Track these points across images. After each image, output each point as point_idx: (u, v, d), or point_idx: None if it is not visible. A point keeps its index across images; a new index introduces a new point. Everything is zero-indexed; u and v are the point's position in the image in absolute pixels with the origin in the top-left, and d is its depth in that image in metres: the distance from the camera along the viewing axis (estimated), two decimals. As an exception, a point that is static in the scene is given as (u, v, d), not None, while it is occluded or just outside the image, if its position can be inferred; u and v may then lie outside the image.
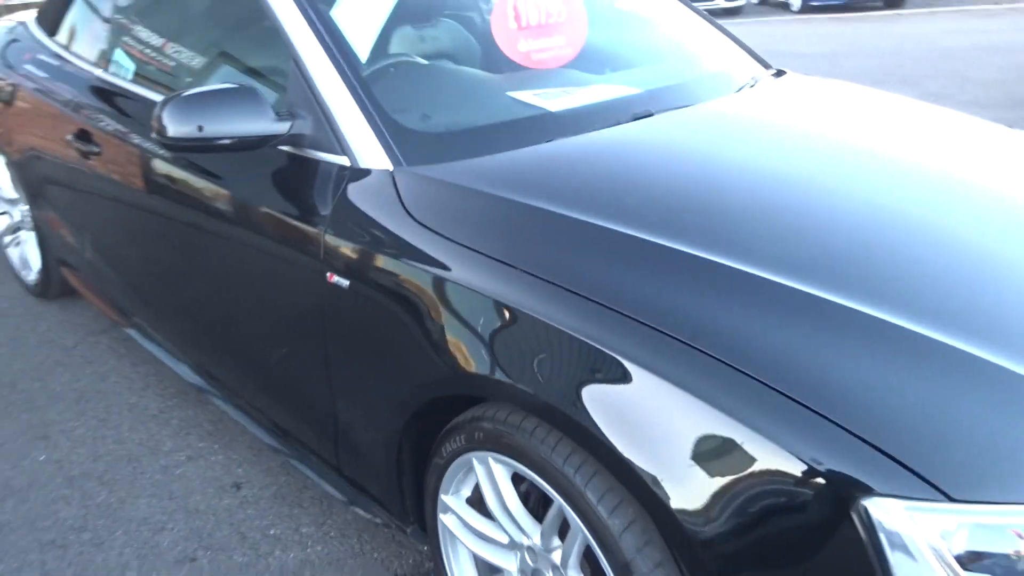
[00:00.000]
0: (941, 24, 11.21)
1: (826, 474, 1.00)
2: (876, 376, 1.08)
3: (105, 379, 2.69)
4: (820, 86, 2.32)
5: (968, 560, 0.99)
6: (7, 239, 3.39)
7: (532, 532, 1.37)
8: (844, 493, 0.99)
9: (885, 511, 0.98)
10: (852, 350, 1.11)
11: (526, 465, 1.29)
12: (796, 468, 1.01)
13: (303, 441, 1.89)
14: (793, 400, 1.05)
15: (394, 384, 1.46)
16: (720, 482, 1.07)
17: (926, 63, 8.14)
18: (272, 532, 1.99)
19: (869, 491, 0.98)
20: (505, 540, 1.43)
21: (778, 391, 1.06)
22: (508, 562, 1.46)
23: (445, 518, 1.54)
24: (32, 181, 2.89)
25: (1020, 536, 1.00)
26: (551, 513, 1.30)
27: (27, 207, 3.06)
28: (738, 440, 1.05)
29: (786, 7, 14.25)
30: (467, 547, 1.52)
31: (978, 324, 1.16)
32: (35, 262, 3.17)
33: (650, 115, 1.83)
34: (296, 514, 2.05)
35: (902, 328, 1.13)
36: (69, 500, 2.12)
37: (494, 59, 2.08)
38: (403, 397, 1.45)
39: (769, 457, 1.03)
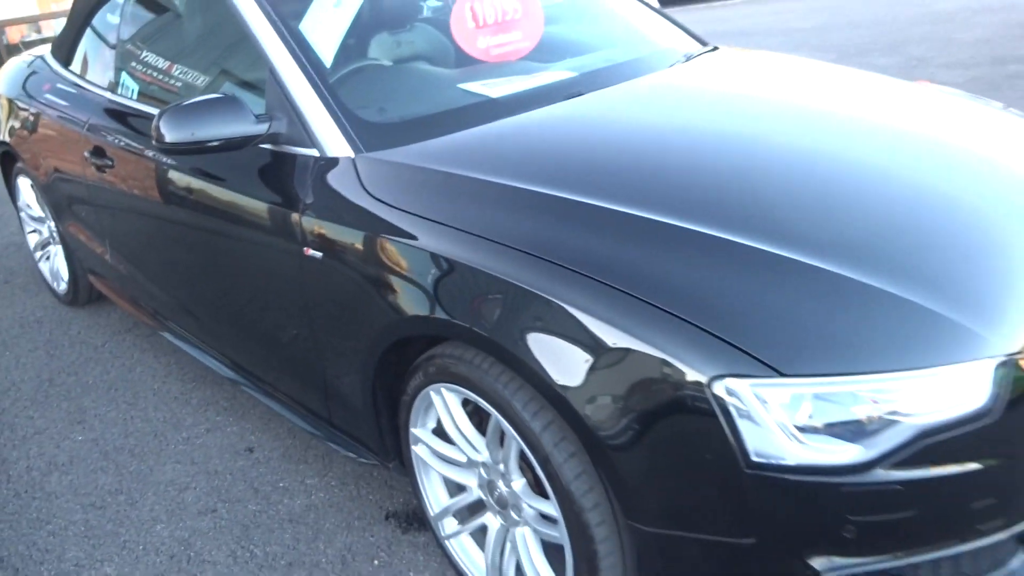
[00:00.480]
0: (934, -12, 11.28)
1: (686, 364, 1.25)
2: (727, 287, 1.32)
3: (132, 370, 3.00)
4: (746, 57, 2.56)
5: (813, 428, 1.24)
6: (38, 254, 3.72)
7: (482, 448, 1.64)
8: (701, 378, 1.24)
9: (737, 389, 1.23)
10: (709, 270, 1.36)
11: (469, 389, 1.55)
12: (664, 363, 1.26)
13: (302, 403, 2.17)
14: (663, 310, 1.29)
15: (364, 333, 1.73)
16: (611, 382, 1.32)
17: (914, 29, 8.25)
18: (281, 485, 2.28)
19: (720, 375, 1.23)
20: (464, 459, 1.70)
21: (653, 304, 1.31)
22: (469, 479, 1.73)
23: (417, 448, 1.81)
24: (56, 199, 3.21)
25: (875, 402, 1.24)
26: (491, 426, 1.57)
27: (53, 223, 3.38)
28: (623, 346, 1.30)
29: (783, -16, 14.31)
30: (436, 471, 1.79)
31: (822, 236, 1.41)
32: (64, 273, 3.49)
33: (580, 94, 2.09)
34: (301, 469, 2.33)
35: (755, 248, 1.38)
36: (105, 470, 2.42)
37: (458, 56, 2.34)
38: (371, 342, 1.71)
39: (645, 358, 1.28)
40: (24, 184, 3.56)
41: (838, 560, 1.26)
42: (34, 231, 3.69)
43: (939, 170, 1.69)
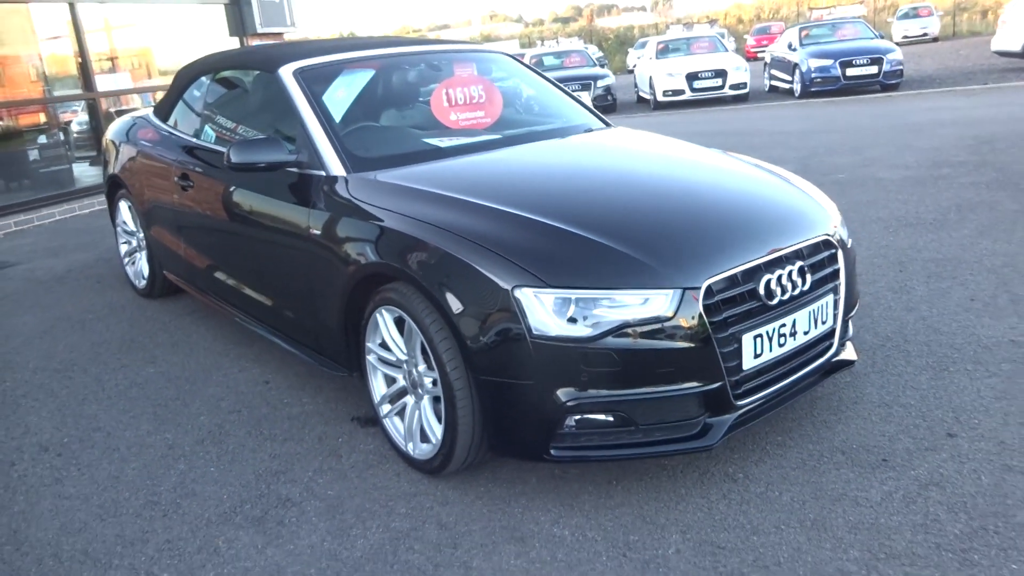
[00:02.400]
0: (921, 104, 12.42)
1: (502, 280, 2.30)
2: (534, 244, 2.39)
3: (189, 336, 4.13)
4: (625, 132, 3.68)
5: (573, 317, 2.27)
6: (126, 260, 4.94)
7: (404, 348, 2.69)
8: (508, 287, 2.29)
9: (524, 293, 2.28)
10: (529, 236, 2.43)
11: (398, 307, 2.61)
12: (492, 281, 2.31)
13: (302, 341, 3.25)
14: (501, 255, 2.35)
15: (341, 278, 2.81)
16: (466, 296, 2.37)
17: (882, 135, 9.36)
18: (285, 400, 3.34)
19: (518, 285, 2.29)
20: (394, 359, 2.75)
21: (497, 253, 2.37)
22: (400, 374, 2.77)
23: (369, 357, 2.86)
24: (147, 214, 4.42)
25: (610, 305, 2.27)
26: (406, 329, 2.62)
27: (142, 233, 4.59)
28: (475, 274, 2.36)
29: (791, 93, 15.64)
30: (380, 371, 2.84)
31: (591, 219, 2.49)
32: (145, 272, 4.68)
33: (499, 148, 3.23)
34: (299, 393, 3.39)
35: (545, 223, 2.46)
36: (167, 388, 3.51)
37: (433, 123, 3.50)
38: (345, 283, 2.79)
39: (485, 279, 2.33)
40: (124, 206, 4.80)
41: (577, 391, 2.28)
42: (125, 242, 4.91)
43: (675, 184, 2.80)
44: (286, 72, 3.37)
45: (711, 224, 2.58)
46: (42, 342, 4.25)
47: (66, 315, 4.66)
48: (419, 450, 2.68)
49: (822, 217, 2.79)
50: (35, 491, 2.79)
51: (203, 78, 4.21)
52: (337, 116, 3.24)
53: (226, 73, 4.09)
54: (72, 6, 8.36)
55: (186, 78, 4.37)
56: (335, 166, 3.00)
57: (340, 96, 3.36)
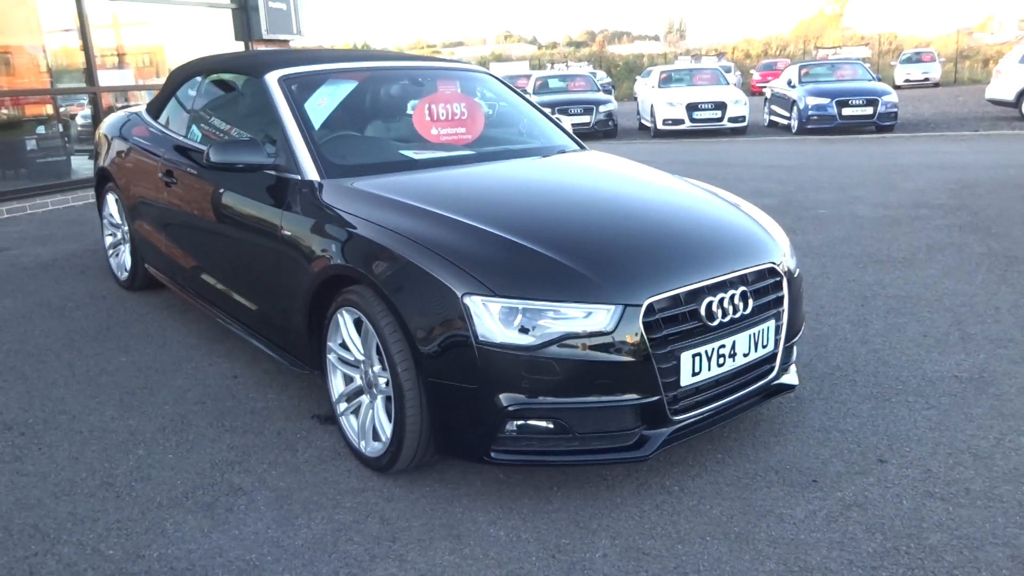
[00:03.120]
0: (912, 146, 12.62)
1: (453, 287, 2.41)
2: (485, 254, 2.50)
3: (164, 329, 4.22)
4: (598, 156, 3.81)
5: (521, 326, 2.37)
6: (110, 252, 5.04)
7: (361, 347, 2.79)
8: (460, 294, 2.40)
9: (473, 301, 2.39)
10: (481, 246, 2.55)
11: (357, 308, 2.71)
12: (445, 288, 2.42)
13: (270, 339, 3.35)
14: (454, 264, 2.46)
15: (307, 278, 2.92)
16: (420, 301, 2.48)
17: (869, 175, 9.53)
18: (250, 395, 3.43)
19: (467, 293, 2.40)
20: (352, 359, 2.85)
21: (451, 262, 2.48)
22: (357, 374, 2.87)
23: (330, 356, 2.96)
24: (132, 208, 4.53)
25: (554, 317, 2.38)
26: (363, 330, 2.73)
27: (127, 227, 4.70)
28: (431, 281, 2.46)
29: (788, 129, 15.85)
30: (339, 369, 2.94)
31: (540, 234, 2.60)
32: (127, 264, 4.78)
33: (471, 164, 3.35)
34: (264, 389, 3.49)
35: (500, 236, 2.57)
36: (137, 377, 3.61)
37: (413, 136, 3.62)
38: (310, 284, 2.90)
39: (439, 285, 2.44)
40: (111, 199, 4.91)
41: (518, 397, 2.38)
42: (111, 234, 5.02)
43: (630, 205, 2.93)
44: (272, 78, 3.49)
45: (659, 245, 2.69)
46: (19, 326, 4.34)
47: (46, 301, 4.76)
48: (370, 448, 2.78)
49: (770, 245, 2.90)
50: (-4, 467, 2.87)
51: (196, 79, 4.33)
52: (317, 124, 3.36)
53: (217, 75, 4.21)
54: (79, 1, 8.52)
55: (179, 78, 4.50)
56: (311, 171, 3.12)
57: (322, 105, 3.49)
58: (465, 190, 3.07)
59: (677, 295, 2.50)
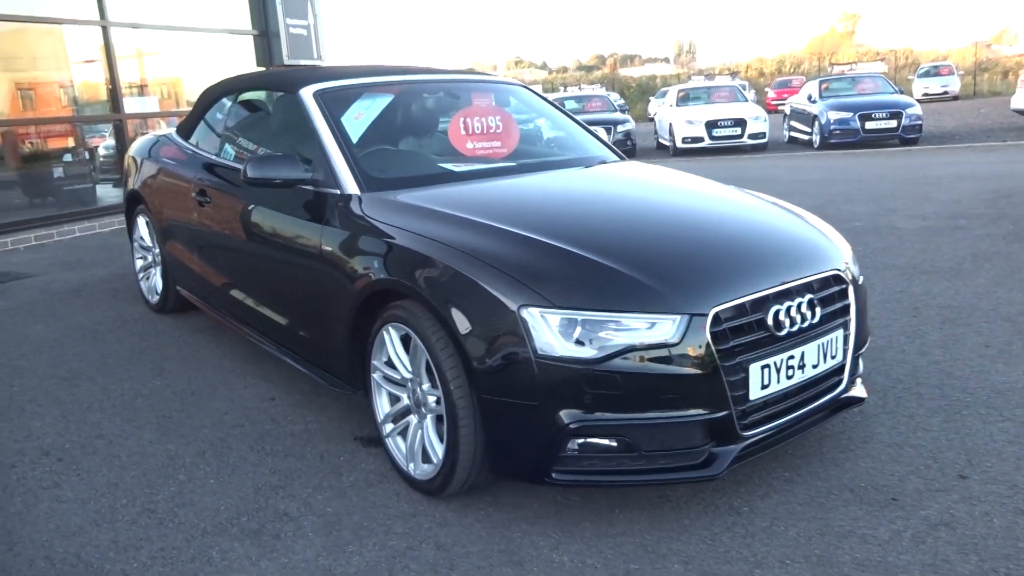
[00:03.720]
0: (941, 158, 12.44)
1: (509, 300, 2.30)
2: (542, 265, 2.39)
3: (198, 351, 4.13)
4: (642, 166, 3.70)
5: (579, 339, 2.25)
6: (140, 275, 4.98)
7: (410, 366, 2.67)
8: (516, 306, 2.28)
9: (530, 313, 2.27)
10: (537, 257, 2.43)
11: (404, 324, 2.60)
12: (499, 301, 2.31)
13: (310, 359, 3.25)
14: (509, 275, 2.35)
15: (350, 294, 2.81)
16: (473, 315, 2.37)
17: (901, 187, 9.36)
18: (288, 417, 3.32)
19: (524, 304, 2.28)
20: (399, 377, 2.74)
21: (506, 273, 2.37)
22: (404, 393, 2.75)
23: (374, 375, 2.85)
24: (164, 230, 4.46)
25: (616, 328, 2.26)
26: (412, 346, 2.61)
27: (158, 249, 4.63)
28: (483, 294, 2.35)
29: (810, 145, 15.71)
30: (384, 388, 2.83)
31: (595, 245, 2.48)
32: (158, 288, 4.71)
33: (512, 175, 3.25)
34: (303, 411, 3.38)
35: (554, 245, 2.46)
36: (173, 400, 3.51)
37: (449, 149, 3.53)
38: (354, 300, 2.79)
39: (492, 298, 2.33)
40: (141, 221, 4.85)
41: (580, 413, 2.26)
42: (141, 258, 4.96)
43: (686, 213, 2.81)
44: (307, 93, 3.42)
45: (721, 253, 2.57)
46: (52, 350, 4.27)
47: (78, 325, 4.69)
48: (420, 470, 2.65)
49: (834, 252, 2.77)
50: (33, 494, 2.77)
51: (226, 98, 4.28)
52: (354, 137, 3.27)
53: (248, 94, 4.16)
54: (105, 30, 8.57)
55: (209, 98, 4.45)
56: (350, 185, 3.03)
57: (358, 118, 3.41)
58: (512, 200, 2.96)
59: (743, 304, 2.38)
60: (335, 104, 3.40)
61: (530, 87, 4.31)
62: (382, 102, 3.56)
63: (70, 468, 2.95)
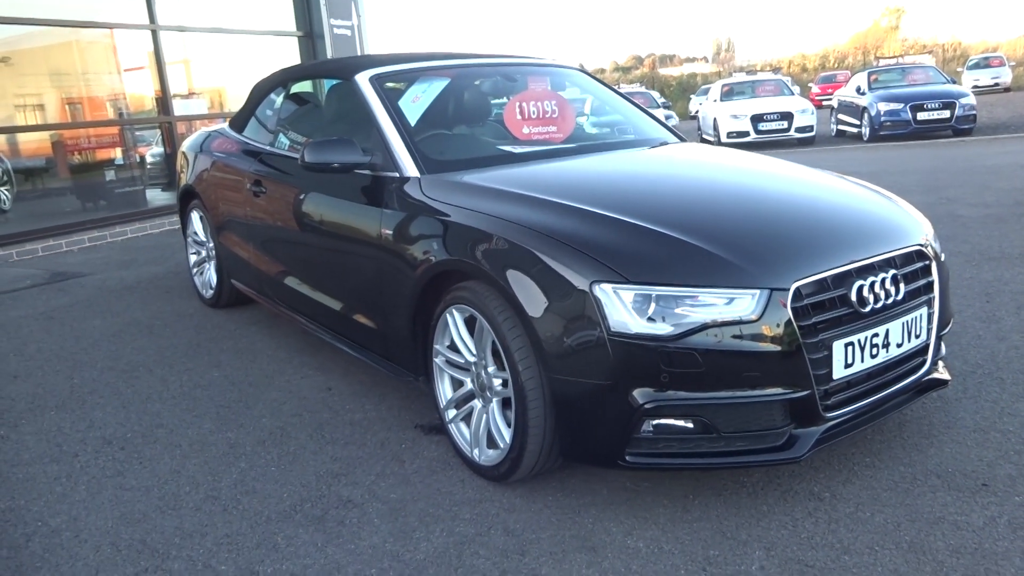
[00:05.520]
0: (996, 148, 12.04)
1: (580, 276, 2.22)
2: (613, 240, 2.31)
3: (254, 343, 4.12)
4: (706, 147, 3.60)
5: (653, 315, 2.17)
6: (194, 271, 5.00)
7: (474, 349, 2.61)
8: (587, 282, 2.20)
9: (602, 289, 2.19)
10: (607, 233, 2.35)
11: (469, 305, 2.54)
12: (569, 279, 2.23)
13: (368, 347, 3.20)
14: (579, 251, 2.27)
15: (412, 277, 2.76)
16: (544, 293, 2.29)
17: (959, 176, 9.07)
18: (347, 407, 3.28)
19: (596, 280, 2.20)
20: (463, 361, 2.67)
21: (576, 249, 2.29)
22: (467, 377, 2.69)
23: (436, 359, 2.79)
24: (218, 224, 4.47)
25: (693, 304, 2.17)
26: (477, 328, 2.55)
27: (212, 243, 4.64)
28: (552, 272, 2.27)
29: (859, 138, 15.36)
30: (447, 372, 2.76)
31: (666, 220, 2.39)
32: (212, 282, 4.72)
33: (571, 156, 3.18)
34: (361, 400, 3.33)
35: (624, 220, 2.37)
36: (231, 391, 3.49)
37: (504, 133, 3.47)
38: (416, 281, 2.73)
39: (560, 277, 2.25)
40: (195, 216, 4.87)
41: (656, 393, 2.17)
42: (195, 252, 4.98)
43: (759, 189, 2.69)
44: (362, 78, 3.38)
45: (799, 228, 2.47)
46: (111, 344, 4.30)
47: (135, 320, 4.73)
48: (485, 456, 2.59)
49: (915, 228, 2.65)
50: (97, 482, 2.76)
51: (278, 89, 4.27)
52: (412, 120, 3.22)
53: (301, 84, 4.14)
54: (154, 33, 8.69)
55: (262, 90, 4.44)
56: (409, 167, 2.98)
57: (415, 102, 3.36)
58: (578, 179, 2.89)
59: (824, 279, 2.27)
60: (391, 88, 3.35)
61: (586, 71, 4.23)
62: (438, 86, 3.51)
63: (132, 456, 2.94)
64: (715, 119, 16.25)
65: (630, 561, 2.13)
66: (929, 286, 2.55)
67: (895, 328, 2.38)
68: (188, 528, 2.43)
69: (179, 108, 9.25)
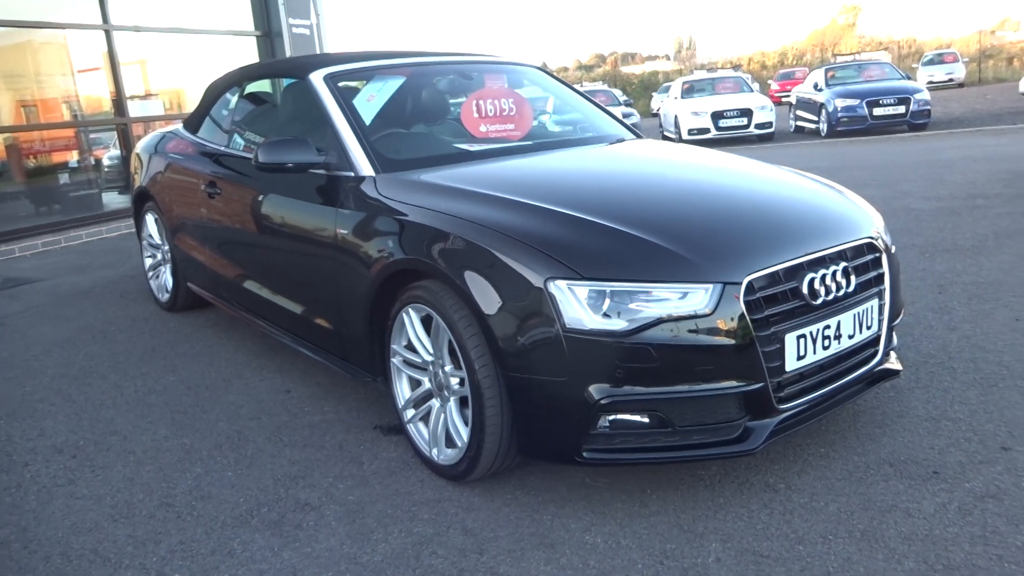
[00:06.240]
0: (951, 142, 12.30)
1: (535, 273, 2.21)
2: (565, 236, 2.31)
3: (210, 347, 4.06)
4: (662, 144, 3.62)
5: (607, 311, 2.17)
6: (150, 274, 4.91)
7: (431, 347, 2.59)
8: (542, 280, 2.20)
9: (557, 286, 2.19)
10: (559, 229, 2.35)
11: (425, 304, 2.52)
12: (524, 275, 2.23)
13: (326, 348, 3.17)
14: (532, 247, 2.27)
15: (369, 277, 2.73)
16: (498, 290, 2.28)
17: (913, 170, 9.25)
18: (305, 408, 3.25)
19: (551, 277, 2.20)
20: (420, 361, 2.66)
21: (528, 245, 2.28)
22: (425, 377, 2.67)
23: (394, 359, 2.77)
24: (174, 226, 4.39)
25: (647, 299, 2.17)
26: (433, 327, 2.53)
27: (167, 246, 4.56)
28: (507, 269, 2.26)
29: (817, 133, 15.59)
30: (404, 372, 2.75)
31: (614, 214, 2.40)
32: (168, 286, 4.64)
33: (527, 154, 3.17)
34: (320, 402, 3.30)
35: (579, 217, 2.37)
36: (187, 395, 3.44)
37: (462, 131, 3.45)
38: (372, 281, 2.71)
39: (515, 274, 2.24)
40: (150, 219, 4.79)
41: (611, 388, 2.17)
42: (150, 256, 4.89)
43: (712, 185, 2.73)
44: (316, 78, 3.35)
45: (751, 222, 2.49)
46: (62, 351, 4.20)
47: (88, 326, 4.63)
48: (444, 455, 2.58)
49: (865, 221, 2.69)
50: (47, 491, 2.70)
51: (233, 89, 4.21)
52: (367, 119, 3.20)
53: (256, 83, 4.09)
54: (108, 33, 8.53)
55: (216, 90, 4.38)
56: (364, 166, 2.95)
57: (370, 101, 3.33)
58: (533, 176, 2.88)
59: (776, 272, 2.29)
60: (346, 87, 3.32)
61: (544, 68, 4.23)
62: (394, 84, 3.48)
63: (84, 465, 2.88)
64: (676, 116, 16.38)
65: (588, 557, 2.14)
66: (880, 278, 2.59)
67: (846, 320, 2.42)
68: (141, 536, 2.38)
69: (135, 109, 9.08)
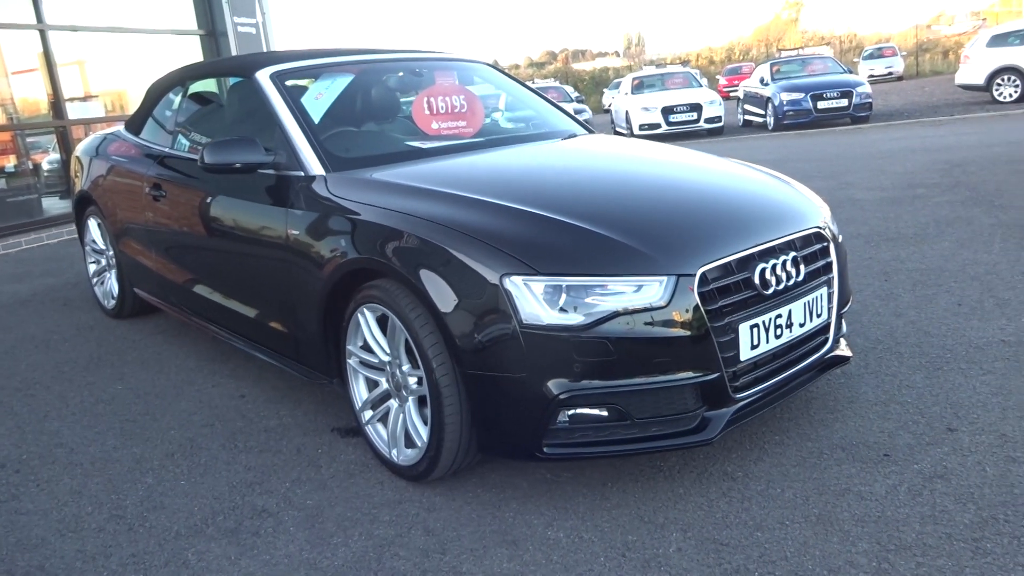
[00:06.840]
0: (891, 133, 12.63)
1: (490, 269, 2.20)
2: (521, 232, 2.30)
3: (160, 354, 3.96)
4: (613, 138, 3.64)
5: (564, 306, 2.17)
6: (94, 280, 4.77)
7: (388, 347, 2.57)
8: (497, 276, 2.19)
9: (513, 282, 2.18)
10: (514, 224, 2.34)
11: (380, 304, 2.49)
12: (480, 272, 2.21)
13: (280, 351, 3.11)
14: (487, 244, 2.25)
15: (321, 277, 2.69)
16: (454, 288, 2.26)
17: (855, 162, 9.47)
18: (261, 413, 3.19)
19: (507, 273, 2.19)
20: (376, 361, 2.63)
21: (483, 241, 2.27)
22: (382, 377, 2.64)
23: (350, 360, 2.73)
24: (118, 231, 4.27)
25: (603, 293, 2.17)
26: (389, 327, 2.51)
27: (112, 251, 4.44)
28: (463, 266, 2.25)
29: (765, 127, 15.86)
30: (361, 373, 2.71)
31: (568, 208, 2.40)
32: (114, 292, 4.51)
33: (480, 150, 3.16)
34: (276, 406, 3.25)
35: (533, 212, 2.37)
36: (136, 403, 3.35)
37: (413, 129, 3.42)
38: (326, 282, 2.67)
39: (470, 271, 2.23)
40: (92, 224, 4.65)
41: (569, 383, 2.17)
42: (94, 262, 4.75)
43: (664, 178, 2.75)
44: (263, 76, 3.29)
45: (702, 215, 2.51)
46: (3, 362, 4.07)
47: (29, 336, 4.49)
48: (403, 456, 2.55)
49: (813, 211, 2.74)
50: (-9, 507, 2.61)
51: (176, 89, 4.11)
52: (316, 117, 3.15)
53: (200, 83, 4.00)
54: (43, 33, 8.27)
55: (159, 90, 4.28)
56: (314, 166, 2.91)
57: (319, 99, 3.28)
58: (486, 172, 2.87)
59: (728, 263, 2.32)
60: (294, 85, 3.27)
61: (495, 65, 4.22)
62: (342, 82, 3.44)
63: (28, 479, 2.79)
64: (627, 112, 16.52)
65: (550, 552, 2.14)
66: (828, 267, 2.64)
67: (797, 308, 2.46)
68: (91, 550, 2.32)
69: (74, 112, 8.83)
